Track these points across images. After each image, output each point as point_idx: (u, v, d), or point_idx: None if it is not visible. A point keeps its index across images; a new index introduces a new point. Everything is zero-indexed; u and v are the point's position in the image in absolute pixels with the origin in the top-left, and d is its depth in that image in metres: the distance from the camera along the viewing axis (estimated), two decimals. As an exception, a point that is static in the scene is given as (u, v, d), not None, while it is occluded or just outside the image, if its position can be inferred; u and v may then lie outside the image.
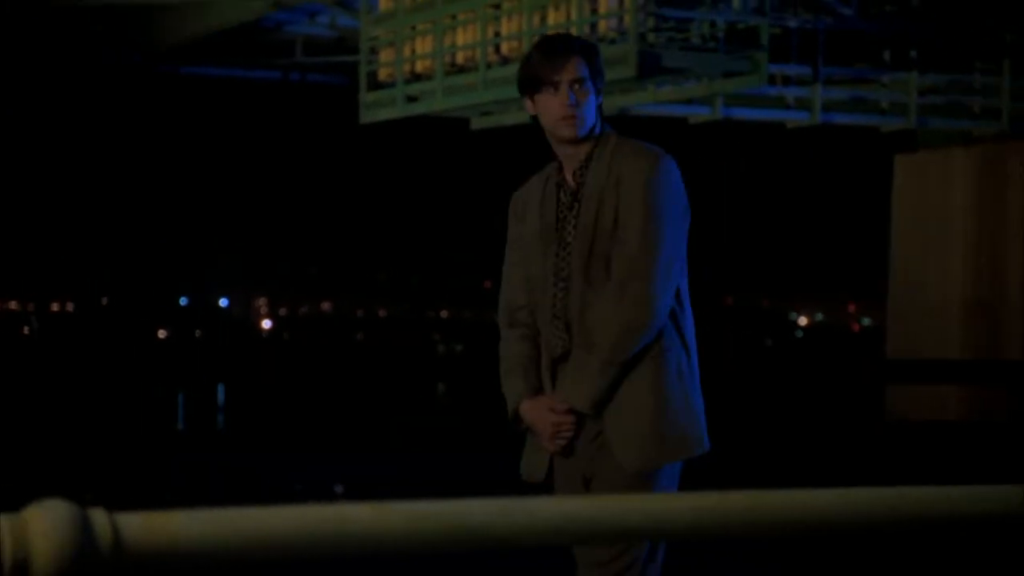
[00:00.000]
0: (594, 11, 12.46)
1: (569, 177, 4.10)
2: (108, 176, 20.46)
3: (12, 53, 18.54)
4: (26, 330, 22.28)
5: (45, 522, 1.79)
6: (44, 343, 21.29)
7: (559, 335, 4.08)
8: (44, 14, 17.12)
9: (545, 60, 4.03)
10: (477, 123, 14.78)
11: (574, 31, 12.50)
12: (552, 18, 12.74)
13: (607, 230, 4.02)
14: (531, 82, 4.07)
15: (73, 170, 20.36)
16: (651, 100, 13.31)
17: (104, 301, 22.75)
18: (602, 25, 12.45)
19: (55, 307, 22.99)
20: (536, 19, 12.85)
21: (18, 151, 19.91)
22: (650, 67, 11.99)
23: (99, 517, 1.84)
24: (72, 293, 22.60)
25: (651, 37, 12.05)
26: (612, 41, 12.25)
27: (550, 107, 4.04)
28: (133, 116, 19.92)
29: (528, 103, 4.13)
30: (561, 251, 4.07)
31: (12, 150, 19.82)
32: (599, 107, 4.13)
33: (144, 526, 1.89)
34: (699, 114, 13.62)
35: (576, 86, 4.03)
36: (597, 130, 4.09)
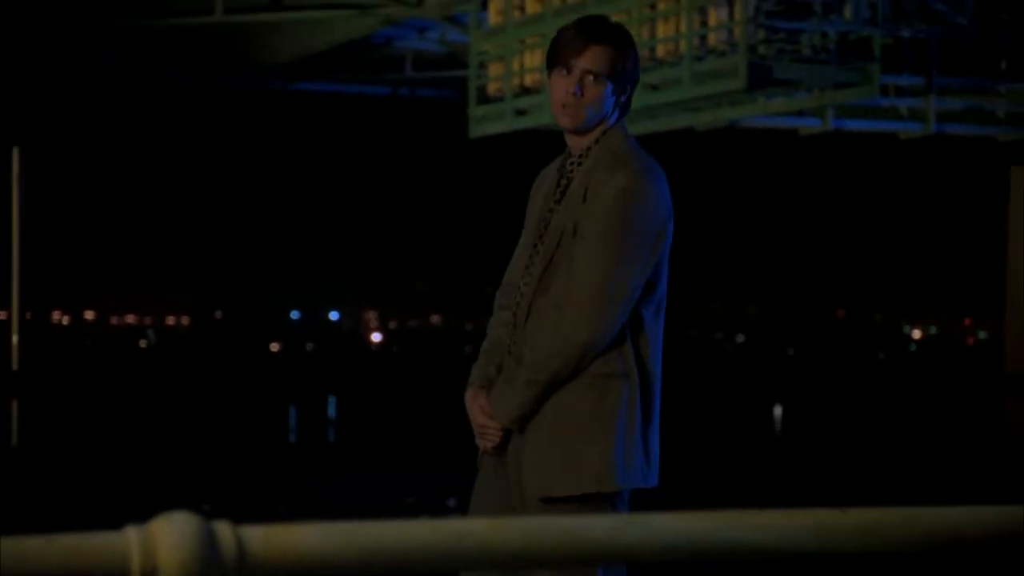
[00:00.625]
0: (704, 24, 12.41)
1: (568, 170, 3.84)
2: (222, 192, 20.73)
3: (129, 75, 18.85)
4: (143, 343, 22.62)
5: (172, 534, 1.83)
6: (161, 356, 21.60)
7: (510, 334, 3.88)
8: (154, 37, 17.39)
9: (569, 39, 3.74)
10: (586, 136, 14.78)
11: (683, 44, 12.46)
12: (661, 30, 12.71)
13: (571, 238, 3.74)
14: (551, 57, 3.79)
15: (188, 187, 20.66)
16: (761, 112, 13.23)
17: (218, 315, 23.04)
18: (711, 37, 12.39)
19: (171, 321, 23.33)
20: (644, 32, 12.83)
21: (137, 169, 20.25)
22: (760, 79, 11.92)
23: (224, 530, 1.88)
24: (188, 307, 22.92)
25: (761, 49, 11.98)
26: (722, 53, 12.20)
27: (555, 89, 3.77)
28: (244, 133, 20.16)
29: (548, 78, 3.86)
30: (537, 251, 3.84)
31: (131, 169, 20.16)
32: (617, 107, 3.78)
33: (267, 539, 1.93)
34: (810, 126, 13.51)
35: (588, 77, 3.72)
36: (608, 125, 3.77)
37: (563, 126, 3.78)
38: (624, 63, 3.76)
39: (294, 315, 21.32)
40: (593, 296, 3.66)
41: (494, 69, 14.55)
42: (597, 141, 3.77)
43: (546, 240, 3.77)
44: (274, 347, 21.48)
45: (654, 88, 12.84)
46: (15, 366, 10.60)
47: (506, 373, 3.81)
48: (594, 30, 3.75)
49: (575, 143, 3.80)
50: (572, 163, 3.81)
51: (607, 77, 3.71)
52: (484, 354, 3.94)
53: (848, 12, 12.19)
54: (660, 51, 12.79)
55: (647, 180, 3.73)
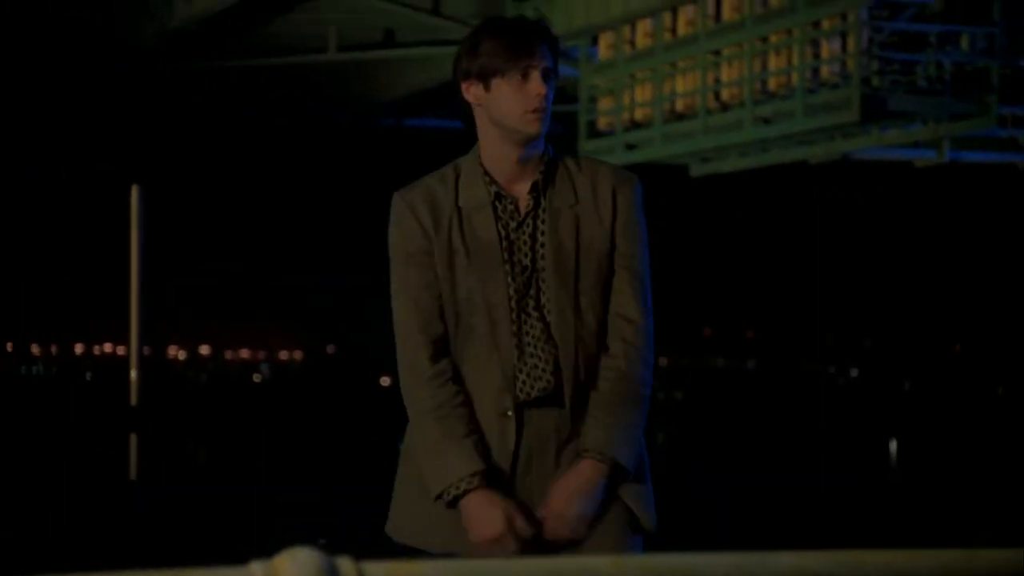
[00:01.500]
0: (816, 56, 12.33)
1: (507, 185, 3.39)
2: (335, 227, 20.90)
3: (243, 113, 19.10)
4: (257, 378, 22.85)
5: (296, 569, 1.85)
6: (274, 390, 21.79)
7: (538, 374, 3.33)
8: (268, 76, 17.61)
9: (513, 42, 3.34)
10: (697, 170, 14.72)
11: (795, 77, 12.39)
12: (773, 63, 12.64)
13: (596, 254, 3.37)
14: (487, 66, 3.35)
15: (301, 223, 20.86)
16: (875, 144, 13.10)
17: (330, 349, 23.21)
18: (824, 70, 12.31)
19: (284, 355, 23.56)
20: (757, 65, 12.77)
21: (252, 206, 20.47)
22: (874, 111, 11.81)
23: (346, 565, 1.90)
24: (300, 342, 23.13)
25: (875, 81, 11.87)
26: (835, 86, 12.11)
27: (513, 98, 3.34)
28: (356, 170, 20.32)
29: (470, 90, 3.39)
30: (518, 275, 3.35)
31: (246, 205, 20.39)
32: None
33: (388, 575, 1.93)
34: (925, 158, 13.36)
35: (546, 75, 3.37)
36: None
37: (532, 135, 3.37)
38: (557, 57, 3.46)
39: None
40: (649, 313, 3.44)
41: (604, 103, 14.55)
42: (551, 153, 3.44)
43: (548, 267, 3.35)
44: (385, 381, 21.54)
45: (766, 121, 12.77)
46: (134, 401, 10.74)
47: (615, 412, 3.35)
48: (532, 27, 3.44)
49: (527, 156, 3.39)
50: (531, 181, 3.39)
51: (554, 76, 3.42)
52: (450, 434, 3.32)
53: (964, 43, 12.04)
54: (772, 84, 12.72)
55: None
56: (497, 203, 3.40)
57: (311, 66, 17.05)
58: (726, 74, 13.17)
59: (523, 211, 3.40)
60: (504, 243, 3.38)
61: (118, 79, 17.62)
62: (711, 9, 13.15)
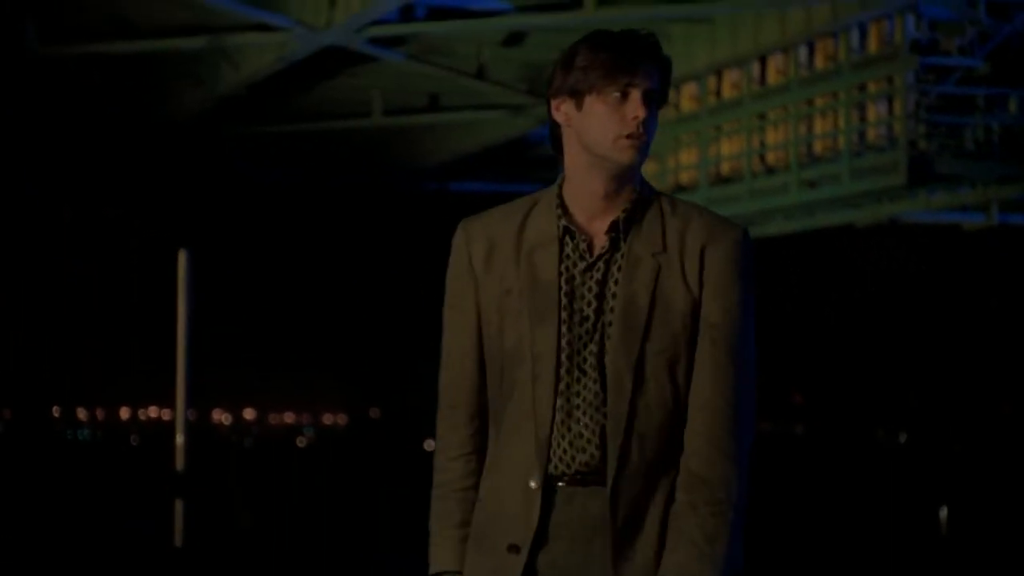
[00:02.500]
0: (863, 119, 12.28)
1: (584, 221, 2.89)
2: (377, 293, 20.92)
3: (287, 178, 19.19)
4: (301, 442, 22.83)
5: None
6: (319, 454, 21.77)
7: (582, 444, 2.83)
8: (313, 141, 17.69)
9: (613, 56, 2.87)
10: (743, 234, 14.68)
11: (841, 140, 12.34)
12: (819, 126, 12.61)
13: (674, 315, 2.84)
14: (581, 81, 2.89)
15: (343, 288, 20.90)
16: (923, 207, 13.03)
17: (374, 413, 23.19)
18: (870, 133, 12.26)
19: (328, 419, 23.56)
20: (802, 128, 12.73)
21: (298, 270, 20.54)
22: (922, 174, 11.76)
23: None
24: (344, 405, 23.11)
25: (922, 144, 11.82)
26: (881, 149, 12.06)
27: (608, 119, 2.85)
28: (401, 234, 20.36)
29: (560, 106, 2.91)
30: (576, 326, 2.85)
31: (292, 269, 20.45)
32: None
33: None
34: (974, 221, 13.27)
35: (649, 97, 2.88)
36: None
37: (623, 164, 2.87)
38: (668, 80, 2.98)
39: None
40: (741, 397, 2.86)
41: (649, 167, 14.53)
42: (643, 188, 2.92)
43: (615, 321, 2.84)
44: (428, 446, 21.51)
45: (812, 185, 12.72)
46: (179, 466, 10.73)
47: (683, 530, 2.83)
48: (642, 42, 2.93)
49: (614, 190, 2.89)
50: (613, 218, 2.89)
51: (660, 101, 2.94)
52: (448, 517, 2.95)
53: (1012, 105, 11.98)
54: (818, 147, 12.68)
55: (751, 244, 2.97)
56: (567, 239, 2.89)
57: (356, 131, 17.13)
58: (771, 137, 13.15)
59: (596, 252, 2.88)
60: (565, 287, 2.86)
61: (166, 144, 17.75)
62: (756, 72, 13.14)
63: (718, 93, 13.58)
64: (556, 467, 2.84)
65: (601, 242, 2.89)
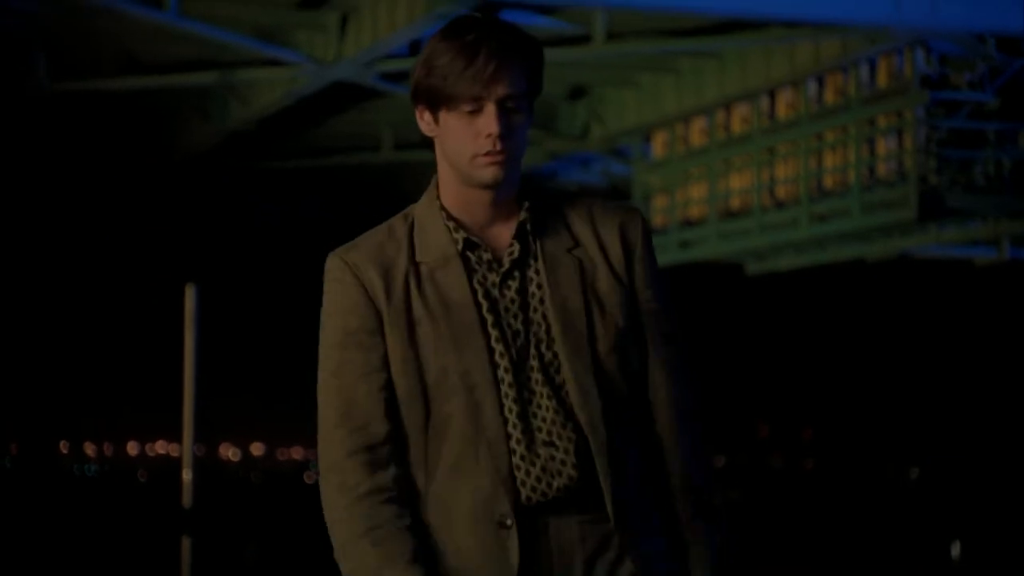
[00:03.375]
0: (872, 154, 12.26)
1: (481, 231, 2.61)
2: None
3: (296, 213, 19.19)
4: (308, 478, 22.76)
5: None
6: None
7: (556, 467, 2.54)
8: (320, 175, 17.69)
9: (466, 63, 2.52)
10: (753, 268, 14.63)
11: (852, 174, 12.30)
12: (829, 160, 12.58)
13: (612, 308, 2.60)
14: (433, 93, 2.57)
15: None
16: (933, 242, 12.98)
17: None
18: (880, 167, 12.23)
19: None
20: (812, 162, 12.70)
21: (305, 307, 20.52)
22: (932, 209, 11.72)
23: None
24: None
25: (933, 178, 11.78)
26: (892, 184, 12.03)
27: (463, 136, 2.55)
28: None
29: (423, 117, 2.62)
30: (511, 343, 2.56)
31: (299, 305, 20.46)
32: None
33: None
34: (985, 256, 13.21)
35: (510, 104, 2.54)
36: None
37: (485, 182, 2.57)
38: (539, 68, 2.62)
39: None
40: (692, 386, 2.69)
41: (658, 201, 14.51)
42: (527, 191, 2.65)
43: (558, 331, 2.58)
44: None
45: (822, 219, 12.69)
46: (186, 503, 10.67)
47: (701, 538, 2.65)
48: (496, 41, 2.55)
49: (492, 199, 2.60)
50: (510, 228, 2.61)
51: (528, 97, 2.59)
52: (394, 562, 2.54)
53: (1022, 140, 11.94)
54: (828, 181, 12.65)
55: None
56: (469, 253, 2.61)
57: (365, 165, 17.13)
58: (781, 171, 13.12)
59: (506, 260, 2.60)
60: (483, 303, 2.57)
61: (175, 180, 17.76)
62: (765, 107, 13.12)
63: (727, 127, 13.57)
64: (529, 498, 2.55)
65: (507, 248, 2.61)
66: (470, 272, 2.60)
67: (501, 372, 2.57)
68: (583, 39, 12.24)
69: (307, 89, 13.45)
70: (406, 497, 2.58)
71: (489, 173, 2.57)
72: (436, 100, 2.58)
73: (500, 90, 2.54)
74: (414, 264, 2.61)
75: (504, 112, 2.55)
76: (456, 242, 2.61)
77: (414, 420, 2.59)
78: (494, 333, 2.58)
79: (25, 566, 12.58)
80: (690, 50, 12.75)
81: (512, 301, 2.60)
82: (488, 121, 2.55)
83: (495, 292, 2.60)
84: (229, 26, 12.32)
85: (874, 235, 12.91)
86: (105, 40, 13.34)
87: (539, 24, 12.15)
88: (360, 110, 15.25)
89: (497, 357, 2.57)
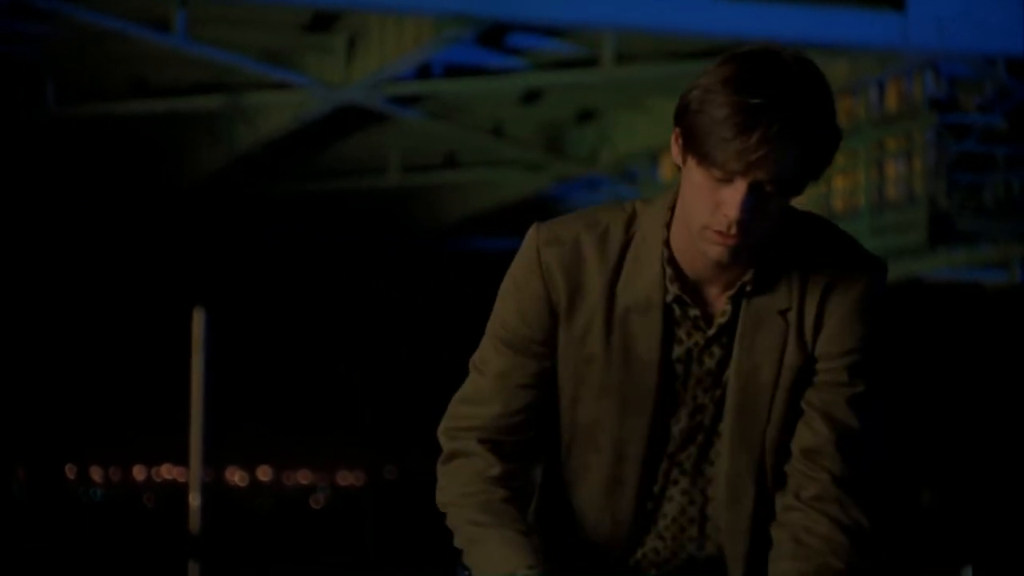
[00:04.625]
0: (882, 176, 12.23)
1: (698, 279, 2.25)
2: (396, 352, 20.87)
3: (302, 238, 19.18)
4: (316, 503, 22.70)
5: None
6: (334, 515, 21.63)
7: (681, 554, 2.26)
8: (328, 198, 17.68)
9: (735, 133, 2.13)
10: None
11: (862, 197, 12.28)
12: (839, 183, 12.55)
13: (794, 390, 2.22)
14: (692, 136, 2.19)
15: (361, 347, 20.85)
16: (944, 265, 12.94)
17: (390, 474, 23.07)
18: (890, 191, 12.21)
19: (343, 478, 23.44)
20: (822, 186, 12.68)
21: (313, 330, 20.50)
22: (942, 232, 11.70)
23: None
24: (360, 464, 23.00)
25: (943, 202, 11.76)
26: (901, 207, 12.01)
27: (701, 198, 2.17)
28: (416, 293, 20.34)
29: (676, 141, 2.25)
30: (681, 419, 2.24)
31: (308, 329, 20.42)
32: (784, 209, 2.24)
33: None
34: (995, 279, 13.17)
35: (767, 188, 2.16)
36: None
37: (704, 255, 2.21)
38: (820, 153, 2.24)
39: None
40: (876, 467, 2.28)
41: (667, 225, 14.47)
42: (770, 247, 2.28)
43: (737, 400, 2.22)
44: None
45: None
46: (194, 528, 10.63)
47: None
48: (779, 112, 2.12)
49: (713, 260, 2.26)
50: (726, 287, 2.23)
51: (791, 183, 2.20)
52: (504, 525, 2.25)
53: (1033, 162, 11.92)
54: (838, 205, 12.62)
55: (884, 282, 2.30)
56: (675, 307, 2.23)
57: (373, 189, 17.12)
58: (791, 195, 13.09)
59: (715, 321, 2.23)
60: (675, 367, 2.22)
61: (183, 203, 17.76)
62: (774, 130, 13.09)
63: (736, 151, 13.55)
64: (644, 557, 2.31)
65: (721, 306, 2.24)
66: (670, 327, 2.24)
67: (659, 451, 2.26)
68: (592, 61, 12.21)
69: (315, 112, 13.45)
70: (520, 504, 2.32)
71: (714, 252, 2.19)
72: (689, 143, 2.21)
73: (760, 174, 2.15)
74: (611, 293, 2.25)
75: (756, 194, 2.17)
76: (666, 291, 2.24)
77: (553, 442, 2.33)
78: (670, 403, 2.25)
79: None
80: (699, 72, 12.70)
81: (708, 372, 2.25)
82: (732, 200, 2.16)
83: (691, 357, 2.25)
84: (237, 49, 12.32)
85: (884, 259, 12.88)
86: (113, 64, 13.34)
87: (547, 47, 12.14)
88: (368, 133, 15.24)
89: (661, 430, 2.25)
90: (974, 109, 11.80)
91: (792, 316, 2.24)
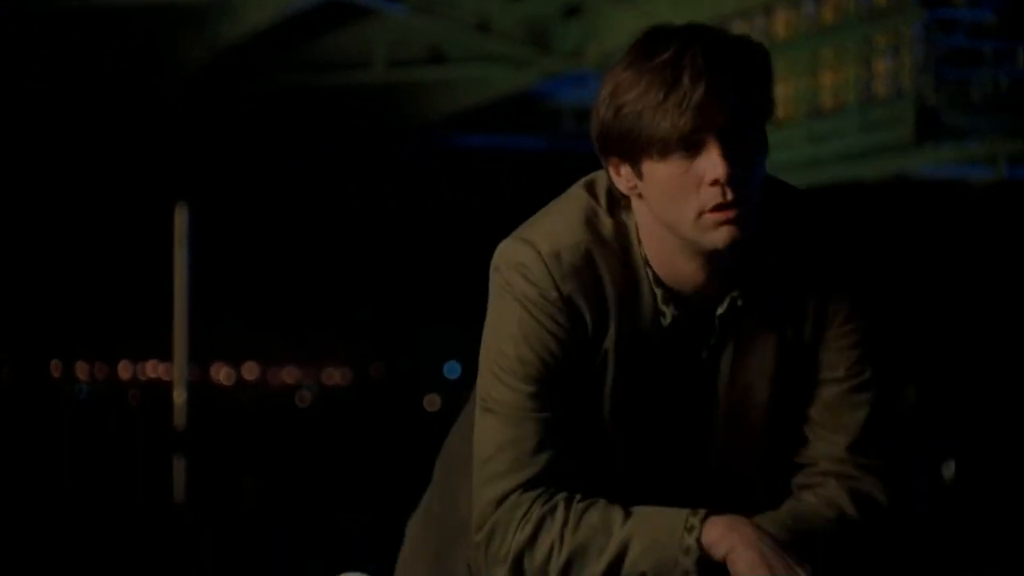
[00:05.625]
0: (870, 72, 12.16)
1: (689, 293, 2.09)
2: (380, 247, 20.84)
3: (286, 132, 19.07)
4: (301, 400, 22.77)
5: None
6: (319, 413, 21.72)
7: None
8: (312, 93, 17.56)
9: (666, 89, 1.96)
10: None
11: (850, 94, 12.21)
12: (828, 79, 12.48)
13: (796, 405, 2.12)
14: (628, 139, 2.01)
15: (347, 242, 20.81)
16: (931, 161, 12.91)
17: (375, 371, 23.13)
18: (878, 86, 12.14)
19: (329, 376, 23.49)
20: (809, 81, 12.60)
21: (300, 225, 20.45)
22: (930, 128, 11.66)
23: None
24: (346, 362, 23.04)
25: (930, 97, 11.70)
26: (889, 103, 11.97)
27: (679, 189, 1.98)
28: (402, 189, 20.27)
29: (618, 172, 2.07)
30: (673, 436, 2.11)
31: (295, 225, 20.38)
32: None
33: None
34: (982, 176, 13.14)
35: (737, 134, 1.98)
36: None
37: (713, 247, 2.02)
38: (768, 80, 2.05)
39: (452, 371, 21.35)
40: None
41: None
42: (764, 234, 2.09)
43: (728, 418, 2.10)
44: (428, 403, 21.45)
45: (820, 139, 12.62)
46: (179, 424, 10.65)
47: None
48: (712, 48, 1.98)
49: (704, 265, 2.08)
50: (721, 293, 2.08)
51: (759, 125, 2.02)
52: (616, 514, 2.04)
53: (1021, 58, 11.85)
54: (826, 101, 12.56)
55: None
56: (672, 332, 2.07)
57: (358, 85, 17.01)
58: (778, 91, 13.03)
59: (711, 338, 2.09)
60: (668, 387, 2.09)
61: (166, 97, 17.61)
62: (762, 26, 13.00)
63: (724, 46, 13.46)
64: None
65: (712, 323, 2.09)
66: (664, 348, 2.07)
67: (652, 470, 2.11)
68: (578, -45, 12.09)
69: (299, 6, 13.32)
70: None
71: (722, 235, 1.98)
72: (633, 148, 1.99)
73: (719, 116, 1.94)
74: (603, 317, 2.05)
75: (731, 145, 1.96)
76: (663, 315, 2.07)
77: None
78: (671, 426, 2.09)
79: (16, 488, 12.58)
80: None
81: (703, 391, 2.10)
82: (712, 162, 1.95)
83: (685, 377, 2.09)
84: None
85: (871, 155, 12.85)
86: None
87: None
88: (352, 28, 15.11)
89: (654, 453, 2.11)
90: (963, 4, 11.71)
91: (787, 329, 2.10)
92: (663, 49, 1.99)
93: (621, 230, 2.09)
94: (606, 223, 2.09)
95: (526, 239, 2.12)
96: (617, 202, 2.10)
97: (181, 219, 10.77)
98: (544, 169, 19.24)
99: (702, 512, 2.00)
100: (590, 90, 16.79)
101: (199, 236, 10.88)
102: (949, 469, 14.69)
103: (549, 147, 18.34)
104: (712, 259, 2.04)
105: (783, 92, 12.97)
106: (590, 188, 2.15)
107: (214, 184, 17.97)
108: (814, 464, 2.12)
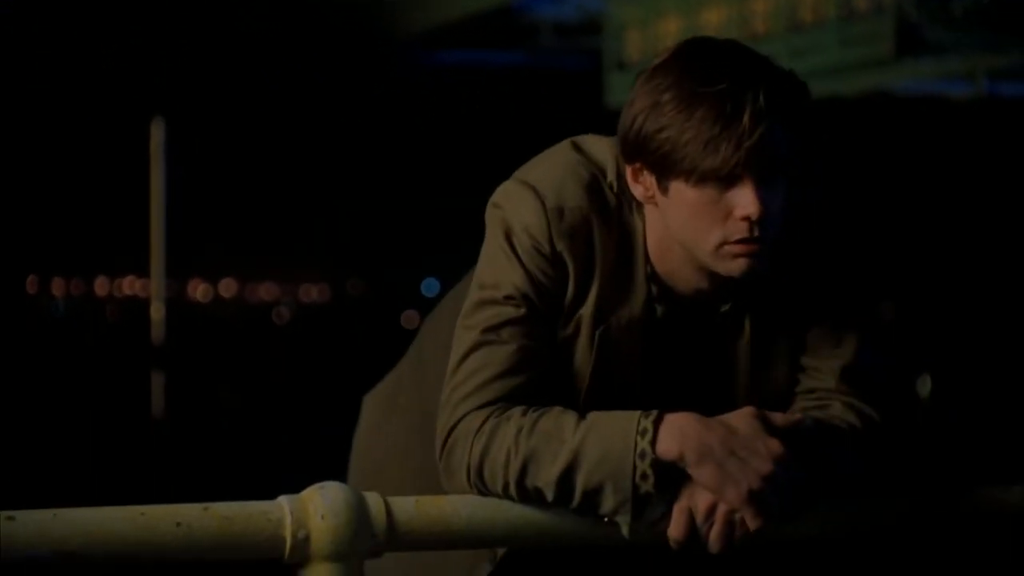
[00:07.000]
0: (850, -15, 12.09)
1: (684, 292, 2.10)
2: (364, 164, 20.75)
3: (265, 45, 18.92)
4: (279, 317, 22.75)
5: (324, 503, 1.92)
6: (297, 329, 21.70)
7: None
8: (286, 7, 17.41)
9: (723, 127, 1.94)
10: (728, 104, 14.53)
11: (831, 7, 12.12)
12: (807, -7, 12.40)
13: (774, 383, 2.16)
14: (665, 161, 1.99)
15: (325, 158, 20.72)
16: (910, 76, 12.88)
17: (353, 288, 23.10)
18: (858, 1, 12.07)
19: (307, 293, 23.44)
20: (790, -5, 12.52)
21: (279, 140, 20.33)
22: (910, 44, 11.61)
23: (373, 499, 1.96)
24: (324, 278, 22.99)
25: (911, 12, 11.64)
26: (869, 17, 11.90)
27: (706, 215, 1.99)
28: (379, 105, 20.16)
29: (637, 179, 2.06)
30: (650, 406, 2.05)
31: (274, 140, 20.25)
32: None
33: (416, 508, 2.00)
34: (962, 92, 13.12)
35: (771, 176, 1.99)
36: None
37: (727, 274, 2.04)
38: (807, 117, 2.05)
39: (431, 288, 21.32)
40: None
41: (632, 35, 14.31)
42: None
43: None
44: (405, 320, 21.43)
45: (799, 53, 12.55)
46: (156, 339, 10.63)
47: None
48: (776, 84, 1.99)
49: (710, 279, 2.11)
50: (716, 293, 2.10)
51: (796, 159, 2.01)
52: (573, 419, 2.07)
53: (1003, -29, 11.79)
54: (806, 16, 12.48)
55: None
56: (661, 325, 2.10)
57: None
58: (757, 5, 12.94)
59: (701, 338, 2.13)
60: (651, 382, 2.11)
61: (140, 6, 17.41)
62: (743, -61, 12.91)
63: (704, -40, 13.36)
64: None
65: (702, 331, 2.12)
66: (651, 342, 2.09)
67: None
68: None
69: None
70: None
71: (739, 266, 2.00)
72: (668, 166, 1.97)
73: (764, 160, 1.94)
74: (598, 299, 2.08)
75: (768, 185, 1.96)
76: (653, 311, 2.09)
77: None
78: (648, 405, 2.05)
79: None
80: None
81: (687, 392, 2.10)
82: (747, 199, 1.95)
83: (671, 372, 2.12)
84: None
85: (851, 70, 12.79)
86: None
87: None
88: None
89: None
90: (945, -85, 11.64)
91: (779, 340, 2.14)
92: (718, 77, 1.98)
93: (627, 221, 2.10)
94: (611, 200, 2.10)
95: (533, 186, 2.12)
96: (629, 201, 2.11)
97: (157, 134, 10.70)
98: (523, 85, 19.15)
99: (655, 413, 2.00)
100: (569, 4, 16.68)
101: (176, 151, 10.81)
102: (925, 385, 14.76)
103: (528, 62, 18.23)
104: (719, 277, 2.07)
105: (761, 7, 12.90)
106: (579, 150, 2.16)
107: (190, 100, 17.81)
108: (811, 392, 2.15)
